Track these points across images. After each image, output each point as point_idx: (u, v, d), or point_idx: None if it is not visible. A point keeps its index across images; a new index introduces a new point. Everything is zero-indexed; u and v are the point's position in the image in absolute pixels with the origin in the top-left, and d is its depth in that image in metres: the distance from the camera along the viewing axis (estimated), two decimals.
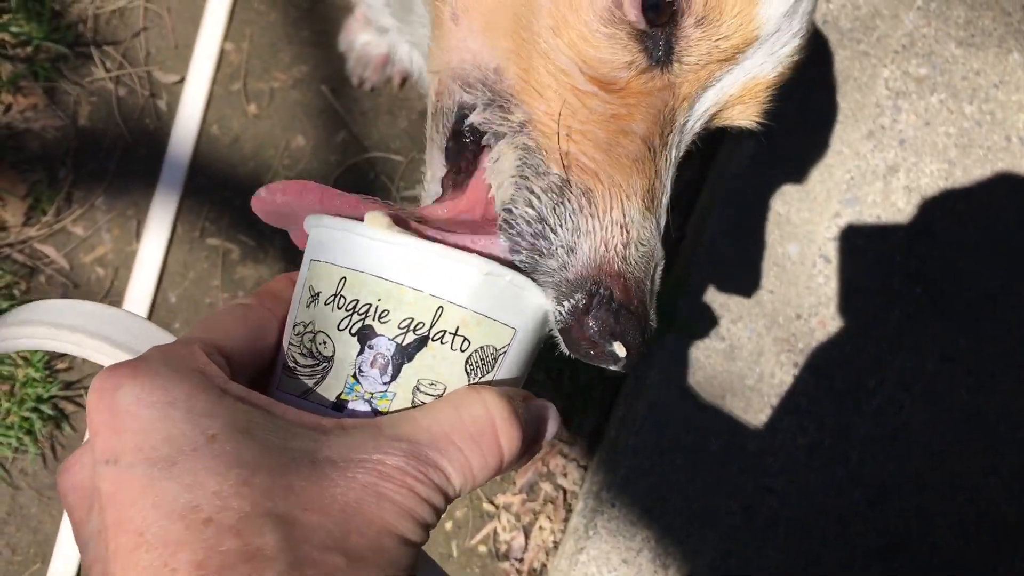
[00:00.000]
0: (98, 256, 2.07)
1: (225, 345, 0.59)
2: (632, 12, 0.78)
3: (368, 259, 0.68)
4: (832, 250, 1.97)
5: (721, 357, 1.95)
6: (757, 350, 1.95)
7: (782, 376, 1.95)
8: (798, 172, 1.98)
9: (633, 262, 0.73)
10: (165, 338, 0.69)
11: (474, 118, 0.81)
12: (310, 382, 0.64)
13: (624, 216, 0.74)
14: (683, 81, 0.79)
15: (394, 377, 0.63)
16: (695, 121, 0.82)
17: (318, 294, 0.66)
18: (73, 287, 2.06)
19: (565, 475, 2.03)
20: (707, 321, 1.96)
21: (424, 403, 0.63)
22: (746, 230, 1.98)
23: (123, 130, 2.10)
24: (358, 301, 0.65)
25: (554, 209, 0.74)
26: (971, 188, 1.98)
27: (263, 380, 0.68)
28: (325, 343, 0.64)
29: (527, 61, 0.80)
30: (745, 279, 1.97)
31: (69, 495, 0.54)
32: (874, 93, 1.99)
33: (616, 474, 1.92)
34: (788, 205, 1.97)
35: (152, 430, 0.48)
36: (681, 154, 0.82)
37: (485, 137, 0.81)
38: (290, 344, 0.66)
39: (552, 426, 0.64)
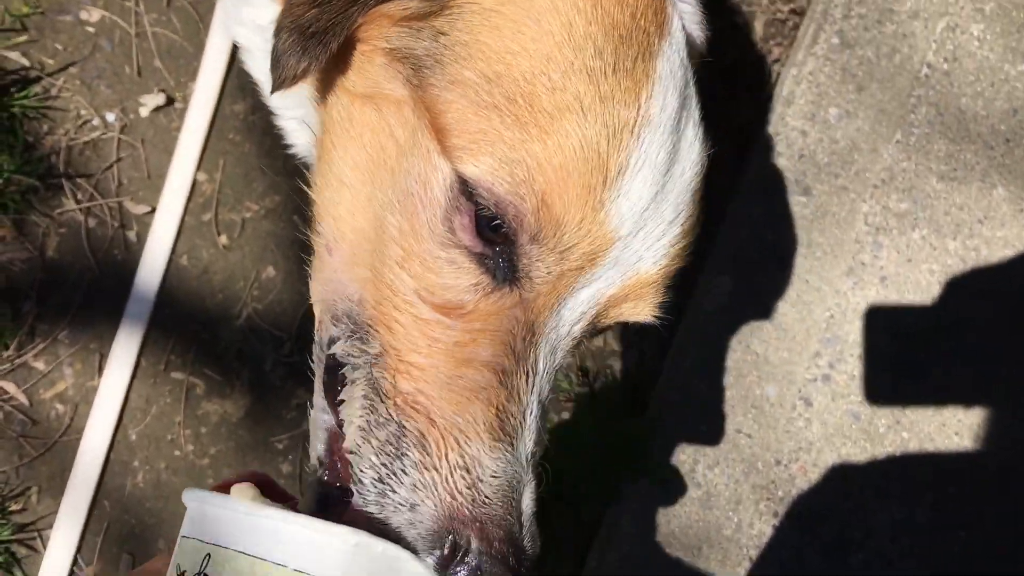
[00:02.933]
0: (58, 392, 2.03)
1: None
2: (466, 237, 0.77)
3: (231, 533, 0.64)
4: (812, 392, 1.89)
5: (697, 505, 1.86)
6: (735, 498, 1.86)
7: (761, 526, 1.85)
8: (776, 310, 1.91)
9: (486, 500, 0.72)
10: None
11: (336, 349, 0.82)
12: None
13: (464, 457, 0.73)
14: (538, 295, 0.78)
15: None
16: (570, 326, 0.80)
17: (183, 574, 0.63)
18: (32, 424, 2.01)
19: None
20: (682, 466, 1.87)
21: None
22: (722, 370, 1.90)
23: (91, 262, 2.07)
24: None
25: (391, 464, 0.74)
26: (956, 327, 1.91)
27: None
28: None
29: (379, 292, 0.80)
30: (721, 422, 1.89)
31: None
32: (853, 228, 1.94)
33: None
34: (766, 344, 1.90)
35: None
36: (559, 360, 0.80)
37: (345, 369, 0.81)
38: None
39: None
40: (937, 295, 1.92)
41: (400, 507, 0.73)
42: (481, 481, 0.73)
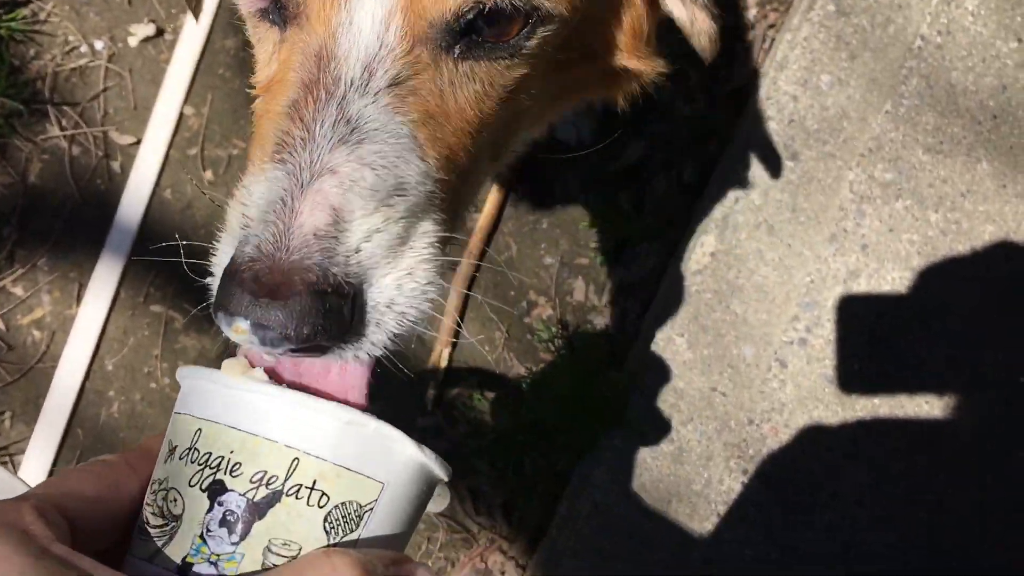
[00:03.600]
0: (36, 318, 2.01)
1: (68, 505, 0.55)
2: (243, 2, 0.80)
3: (222, 409, 0.63)
4: (788, 354, 1.91)
5: (669, 460, 1.88)
6: (706, 454, 1.88)
7: (731, 483, 1.87)
8: (757, 272, 1.93)
9: (248, 224, 0.70)
10: (18, 489, 0.65)
11: None
12: (159, 543, 0.59)
13: (244, 189, 0.73)
14: (309, 14, 0.74)
15: (243, 536, 0.59)
16: (374, 31, 0.72)
17: (174, 448, 0.63)
18: (8, 349, 2.00)
19: (503, 573, 1.95)
20: (658, 422, 1.89)
21: (275, 565, 0.58)
22: (702, 328, 1.92)
23: (73, 190, 2.05)
24: (211, 454, 0.61)
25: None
26: (933, 298, 1.93)
27: (126, 543, 0.63)
28: (176, 500, 0.60)
29: None
30: (698, 379, 1.91)
31: None
32: (838, 196, 1.95)
33: (555, 575, 1.84)
34: (745, 305, 1.92)
35: None
36: (385, 74, 0.73)
37: None
38: (146, 504, 0.62)
39: None
40: (916, 268, 1.94)
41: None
42: (246, 205, 0.71)
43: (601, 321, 2.04)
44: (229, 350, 0.74)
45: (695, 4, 0.91)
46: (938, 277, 1.94)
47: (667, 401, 1.90)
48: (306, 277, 0.66)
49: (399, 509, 0.64)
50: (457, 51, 0.76)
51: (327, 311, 0.65)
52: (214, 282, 0.74)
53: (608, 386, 1.90)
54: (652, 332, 1.95)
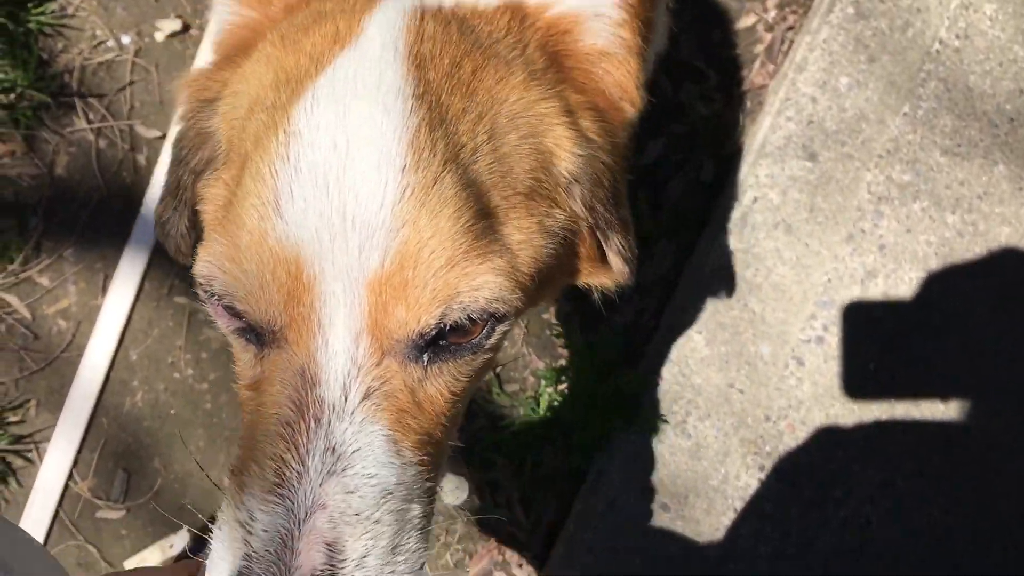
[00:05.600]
0: (61, 308, 2.04)
1: None
2: (221, 321, 0.85)
3: None
4: (805, 352, 1.93)
5: (686, 455, 1.90)
6: (723, 450, 1.90)
7: (747, 479, 1.89)
8: (775, 271, 1.95)
9: (253, 555, 0.74)
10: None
11: None
12: None
13: (243, 512, 0.76)
14: (288, 339, 0.80)
15: None
16: (348, 357, 0.78)
17: None
18: (34, 338, 2.02)
19: (520, 566, 1.97)
20: (674, 417, 1.91)
21: None
22: (719, 326, 1.94)
23: (99, 182, 2.08)
24: None
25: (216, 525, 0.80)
26: (950, 299, 1.95)
27: None
28: None
29: None
30: (715, 376, 1.92)
31: None
32: (856, 196, 1.97)
33: (572, 571, 1.86)
34: (763, 304, 1.94)
35: None
36: (356, 397, 0.78)
37: None
38: None
39: None
40: (933, 268, 1.96)
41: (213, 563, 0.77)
42: (251, 535, 0.75)
43: (619, 318, 2.06)
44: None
45: (611, 251, 1.01)
46: (954, 278, 1.96)
47: (684, 397, 1.92)
48: None
49: None
50: (425, 359, 0.82)
51: None
52: None
53: (625, 382, 1.92)
54: (670, 329, 1.97)
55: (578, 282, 1.07)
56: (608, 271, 1.05)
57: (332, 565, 0.73)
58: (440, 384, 0.84)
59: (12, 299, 2.02)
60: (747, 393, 1.92)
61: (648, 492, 1.88)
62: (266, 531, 0.74)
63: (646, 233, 2.07)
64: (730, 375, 1.93)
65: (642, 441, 1.90)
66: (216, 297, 0.82)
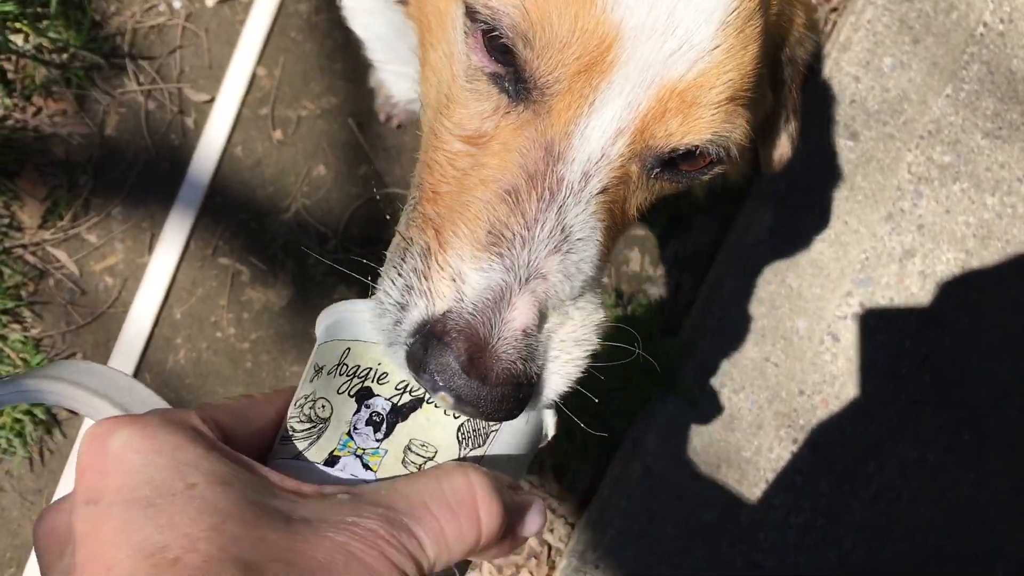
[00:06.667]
0: (108, 265, 2.08)
1: (222, 421, 0.61)
2: (476, 58, 0.80)
3: (371, 330, 0.71)
4: (841, 329, 1.95)
5: (720, 426, 1.92)
6: (757, 422, 1.92)
7: (780, 451, 1.92)
8: (814, 247, 1.97)
9: (466, 297, 0.73)
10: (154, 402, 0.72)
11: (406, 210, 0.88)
12: (304, 443, 0.65)
13: (450, 267, 0.75)
14: (551, 109, 0.77)
15: (387, 435, 0.65)
16: (601, 145, 0.76)
17: (321, 368, 0.69)
18: (80, 293, 2.06)
19: (552, 530, 2.00)
20: (710, 388, 1.94)
21: (414, 463, 0.64)
22: (757, 300, 1.96)
23: (148, 143, 2.12)
24: (359, 366, 0.68)
25: (395, 271, 0.77)
26: (987, 280, 1.96)
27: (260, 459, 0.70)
28: (324, 406, 0.66)
29: (428, 142, 0.86)
30: (751, 349, 1.95)
31: (42, 539, 0.55)
32: (896, 176, 1.99)
33: (604, 535, 1.89)
34: (801, 279, 1.96)
35: (136, 473, 0.51)
36: (595, 185, 0.77)
37: None
38: (289, 417, 0.68)
39: (535, 521, 0.63)
40: (971, 250, 1.97)
41: (391, 308, 0.74)
42: (464, 284, 0.73)
43: (656, 291, 2.09)
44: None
45: (784, 131, 1.05)
46: (992, 259, 1.97)
47: (720, 369, 1.94)
48: (513, 369, 0.71)
49: (514, 441, 0.70)
50: (655, 172, 0.82)
51: (519, 399, 0.71)
52: (387, 319, 0.75)
53: (662, 351, 1.95)
54: (707, 302, 1.99)
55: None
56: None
57: (537, 330, 0.73)
58: (641, 200, 0.84)
59: (61, 254, 2.06)
60: (782, 367, 1.94)
61: (682, 460, 1.91)
62: (480, 283, 0.73)
63: (685, 207, 2.10)
64: (766, 349, 1.95)
65: (678, 410, 1.92)
66: (492, 32, 0.77)
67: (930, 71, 2.02)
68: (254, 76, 2.16)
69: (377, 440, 0.64)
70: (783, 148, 1.05)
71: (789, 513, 1.89)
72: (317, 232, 2.13)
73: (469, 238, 0.75)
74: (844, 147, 2.00)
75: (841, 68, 2.02)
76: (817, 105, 2.01)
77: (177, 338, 2.07)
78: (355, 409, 0.65)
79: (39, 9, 2.08)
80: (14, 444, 1.98)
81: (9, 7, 2.01)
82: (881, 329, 1.95)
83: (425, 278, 0.75)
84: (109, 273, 2.08)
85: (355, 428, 0.65)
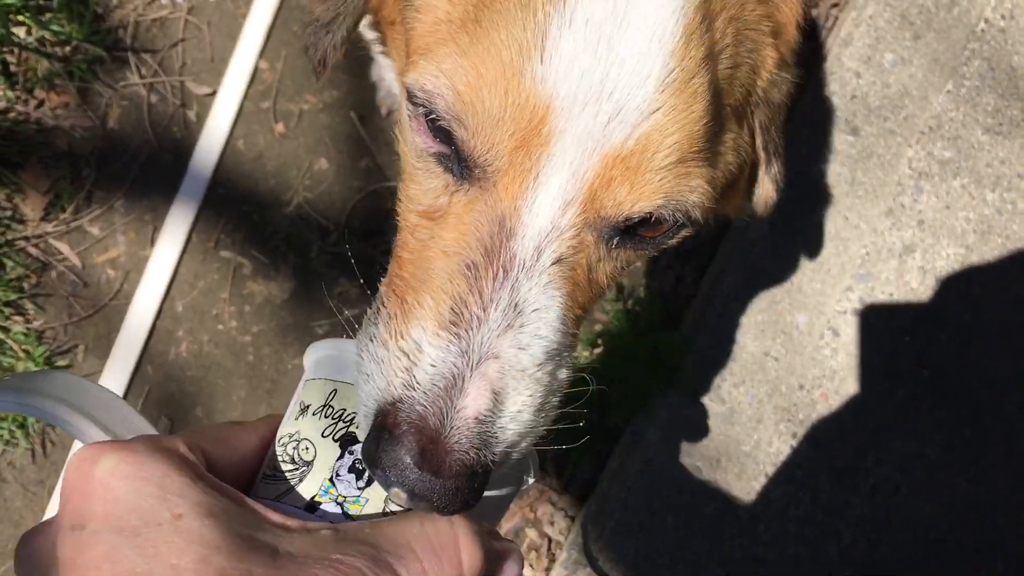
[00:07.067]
0: (111, 258, 2.08)
1: (208, 449, 0.61)
2: (421, 140, 0.82)
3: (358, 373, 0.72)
4: (841, 324, 1.95)
5: (720, 420, 1.93)
6: (757, 416, 1.93)
7: (779, 445, 1.92)
8: (814, 243, 1.97)
9: (416, 385, 0.73)
10: (143, 428, 0.71)
11: None
12: (287, 486, 0.65)
13: (409, 341, 0.75)
14: (497, 185, 0.77)
15: (369, 483, 0.65)
16: (551, 218, 0.77)
17: (307, 407, 0.69)
18: (83, 286, 2.07)
19: (552, 523, 2.01)
20: (710, 382, 1.94)
21: (395, 512, 0.65)
22: (757, 295, 1.97)
23: (150, 136, 2.12)
24: (344, 410, 0.69)
25: (364, 336, 0.78)
26: (986, 276, 1.97)
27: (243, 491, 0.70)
28: (308, 449, 0.66)
29: (399, 213, 0.89)
30: (751, 344, 1.95)
31: (25, 563, 0.54)
32: (897, 171, 1.99)
33: (604, 527, 1.90)
34: (801, 274, 1.97)
35: (122, 500, 0.51)
36: (549, 258, 0.77)
37: None
38: (272, 455, 0.68)
39: (512, 570, 0.64)
40: (972, 245, 1.98)
41: (361, 377, 0.75)
42: (416, 366, 0.74)
43: (656, 285, 2.09)
44: None
45: (767, 175, 1.02)
46: (992, 255, 1.98)
47: (720, 363, 1.95)
48: (466, 460, 0.71)
49: (496, 485, 0.72)
50: (614, 242, 0.82)
51: (474, 489, 0.71)
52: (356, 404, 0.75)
53: (663, 345, 1.95)
54: (707, 296, 2.00)
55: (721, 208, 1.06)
56: (736, 198, 1.04)
57: (492, 414, 0.73)
58: (611, 267, 0.84)
59: (63, 247, 2.07)
60: (782, 361, 1.95)
61: (682, 454, 1.91)
62: (434, 366, 0.73)
63: None
64: (766, 343, 1.95)
65: (678, 404, 1.93)
66: (431, 115, 0.78)
67: (931, 67, 2.02)
68: (256, 69, 2.16)
69: (359, 488, 0.65)
70: (766, 192, 1.03)
71: (788, 506, 1.90)
72: (319, 225, 2.13)
73: (433, 311, 0.76)
74: (845, 142, 2.00)
75: (842, 63, 2.02)
76: (817, 100, 2.02)
77: (179, 331, 2.08)
78: (338, 455, 0.66)
79: (41, 2, 2.09)
80: (16, 436, 1.99)
81: (12, 0, 2.02)
82: (881, 324, 1.95)
83: (384, 346, 0.77)
84: (111, 265, 2.09)
85: (337, 475, 0.65)
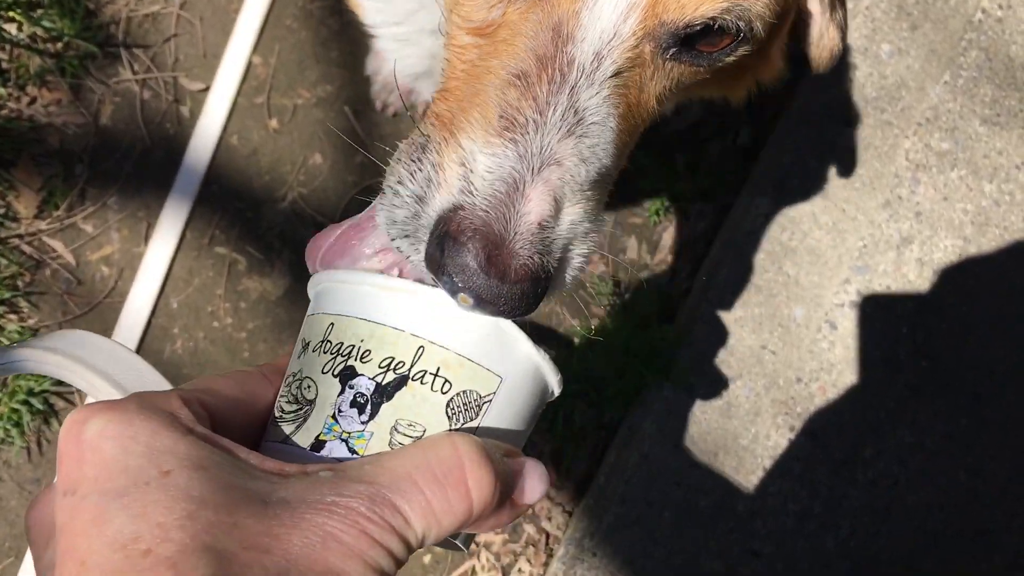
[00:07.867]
0: (104, 255, 2.08)
1: (210, 401, 0.59)
2: None
3: (352, 303, 0.68)
4: (838, 316, 1.95)
5: (717, 414, 1.92)
6: (754, 410, 1.93)
7: (777, 439, 1.92)
8: (811, 235, 1.96)
9: (473, 191, 0.70)
10: (154, 382, 0.69)
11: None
12: (292, 427, 0.64)
13: (460, 152, 0.72)
14: None
15: (372, 416, 0.63)
16: (613, 23, 0.73)
17: (307, 343, 0.67)
18: (77, 283, 2.06)
19: (549, 518, 2.00)
20: (706, 376, 1.94)
21: (401, 444, 0.62)
22: (754, 288, 1.96)
23: (143, 132, 2.11)
24: (342, 344, 0.66)
25: (411, 167, 0.74)
26: (984, 267, 1.96)
27: (257, 441, 0.67)
28: (309, 387, 0.65)
29: (445, 42, 0.83)
30: (748, 337, 1.95)
31: (32, 529, 0.55)
32: (894, 163, 1.98)
33: (601, 522, 1.89)
34: (798, 267, 1.96)
35: (110, 461, 0.49)
36: (609, 66, 0.74)
37: None
38: (279, 396, 0.66)
39: (535, 487, 0.60)
40: (969, 236, 1.97)
41: (407, 201, 0.72)
42: (473, 173, 0.71)
43: (653, 278, 2.09)
44: None
45: (832, 21, 0.96)
46: (990, 247, 1.97)
47: (717, 357, 1.94)
48: (531, 264, 0.69)
49: (515, 406, 0.66)
50: (671, 53, 0.79)
51: (537, 294, 0.69)
52: (397, 217, 0.73)
53: (659, 338, 1.95)
54: (704, 289, 1.99)
55: (760, 70, 1.00)
56: (782, 64, 0.99)
57: (554, 222, 0.71)
58: (659, 88, 0.81)
59: (57, 244, 2.06)
60: (779, 355, 1.94)
61: (679, 448, 1.91)
62: (491, 172, 0.70)
63: (682, 195, 2.09)
64: (763, 336, 1.95)
65: (675, 398, 1.92)
66: None
67: (928, 57, 2.01)
68: (249, 64, 2.15)
69: (362, 423, 0.62)
70: (831, 38, 0.96)
71: (786, 500, 1.90)
72: (314, 221, 2.12)
73: (481, 122, 0.72)
74: (841, 134, 1.99)
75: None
76: (813, 92, 2.00)
77: (174, 328, 2.07)
78: (339, 390, 0.63)
79: None
80: (12, 434, 1.98)
81: None
82: (879, 316, 1.95)
83: (439, 168, 0.73)
84: (105, 263, 2.08)
85: (340, 411, 0.63)
